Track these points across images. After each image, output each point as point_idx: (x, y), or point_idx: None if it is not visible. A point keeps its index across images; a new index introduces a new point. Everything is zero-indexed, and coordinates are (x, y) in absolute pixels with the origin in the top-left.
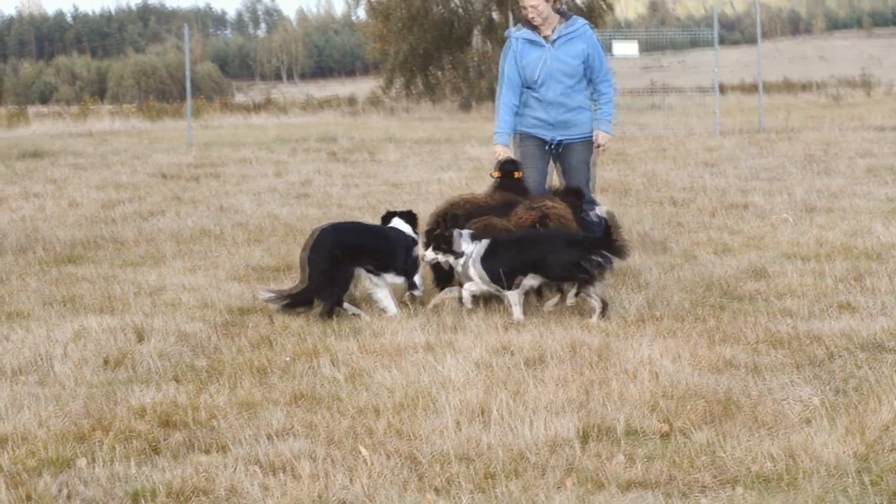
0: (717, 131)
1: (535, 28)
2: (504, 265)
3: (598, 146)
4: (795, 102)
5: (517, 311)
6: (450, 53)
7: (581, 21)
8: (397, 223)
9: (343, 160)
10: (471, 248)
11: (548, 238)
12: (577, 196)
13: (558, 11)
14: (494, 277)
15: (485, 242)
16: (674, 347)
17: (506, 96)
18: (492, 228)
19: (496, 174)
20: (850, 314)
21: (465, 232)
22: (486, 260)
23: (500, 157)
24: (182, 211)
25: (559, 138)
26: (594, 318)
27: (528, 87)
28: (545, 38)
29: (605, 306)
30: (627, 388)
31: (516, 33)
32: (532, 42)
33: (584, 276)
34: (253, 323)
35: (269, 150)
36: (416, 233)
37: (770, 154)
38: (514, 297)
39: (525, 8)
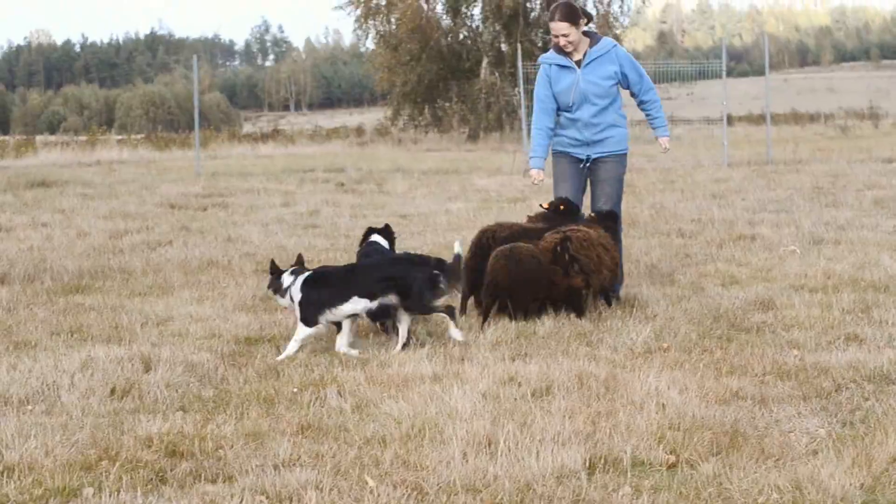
0: (725, 163)
1: (565, 53)
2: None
3: (665, 149)
4: (803, 134)
5: (292, 347)
6: (458, 84)
7: (610, 42)
8: (377, 239)
9: (351, 191)
10: (289, 282)
11: (366, 264)
12: (612, 219)
13: (586, 34)
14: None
15: (303, 276)
16: (681, 379)
17: (540, 120)
18: (516, 250)
19: (545, 206)
20: (858, 346)
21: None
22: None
23: (536, 181)
24: (190, 241)
25: (594, 156)
26: (396, 349)
27: (564, 111)
28: (577, 62)
29: (408, 341)
30: (634, 419)
31: (548, 59)
32: (563, 67)
33: (400, 295)
34: (260, 353)
35: (276, 181)
36: (392, 248)
37: (778, 186)
38: (303, 332)
39: (556, 37)
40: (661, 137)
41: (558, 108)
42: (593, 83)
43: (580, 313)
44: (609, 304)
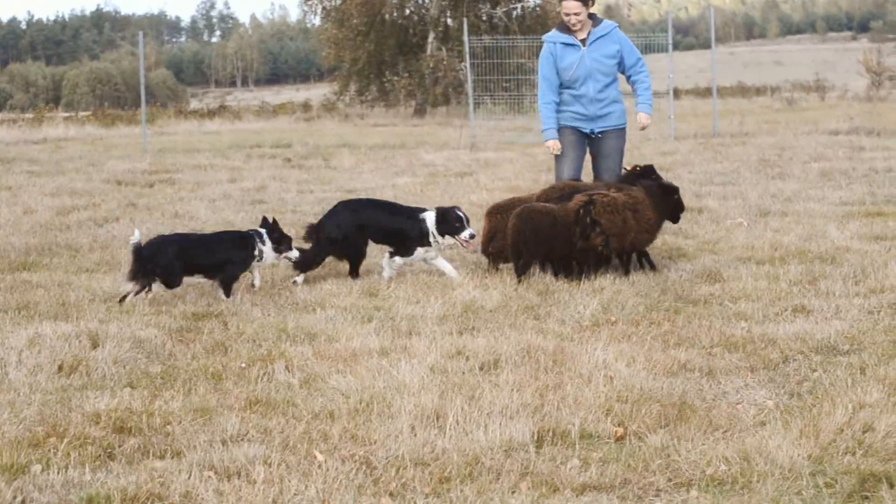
0: (672, 136)
1: (569, 32)
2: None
3: (643, 127)
4: (750, 107)
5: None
6: (405, 59)
7: (610, 24)
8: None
9: (298, 166)
10: None
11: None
12: (648, 175)
13: (589, 15)
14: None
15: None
16: (628, 351)
17: (546, 95)
18: (532, 211)
19: (629, 167)
20: (805, 317)
21: None
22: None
23: (554, 151)
24: (137, 217)
25: (598, 130)
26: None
27: (567, 87)
28: (581, 41)
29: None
30: (582, 392)
31: (553, 37)
32: (569, 45)
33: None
34: (208, 329)
35: (223, 157)
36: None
37: (724, 158)
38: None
39: (568, 15)
40: (640, 113)
41: (561, 85)
42: (598, 60)
43: (588, 272)
44: (652, 267)
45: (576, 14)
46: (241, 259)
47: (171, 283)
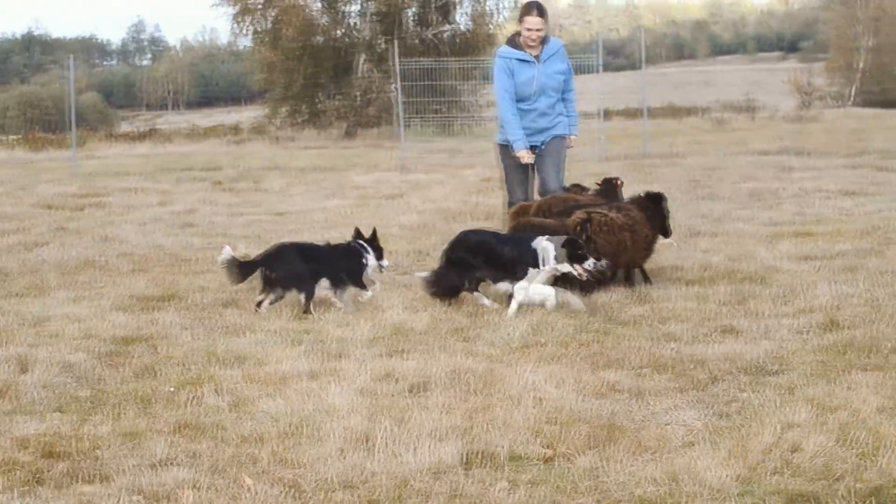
0: (602, 157)
1: (520, 48)
2: None
3: (570, 146)
4: (680, 127)
5: None
6: (335, 81)
7: (559, 42)
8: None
9: (228, 189)
10: None
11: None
12: (656, 201)
13: None
14: None
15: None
16: (558, 373)
17: (511, 107)
18: (530, 227)
19: (598, 184)
20: (734, 338)
21: None
22: None
23: (527, 160)
24: (66, 241)
25: (544, 139)
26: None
27: (520, 101)
28: (535, 57)
29: None
30: (511, 413)
31: (508, 53)
32: (524, 61)
33: None
34: (137, 352)
35: (153, 180)
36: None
37: (654, 179)
38: None
39: (530, 30)
40: (571, 136)
41: (516, 99)
42: (551, 76)
43: (584, 289)
44: (647, 280)
45: (538, 31)
46: (356, 269)
47: (308, 290)
